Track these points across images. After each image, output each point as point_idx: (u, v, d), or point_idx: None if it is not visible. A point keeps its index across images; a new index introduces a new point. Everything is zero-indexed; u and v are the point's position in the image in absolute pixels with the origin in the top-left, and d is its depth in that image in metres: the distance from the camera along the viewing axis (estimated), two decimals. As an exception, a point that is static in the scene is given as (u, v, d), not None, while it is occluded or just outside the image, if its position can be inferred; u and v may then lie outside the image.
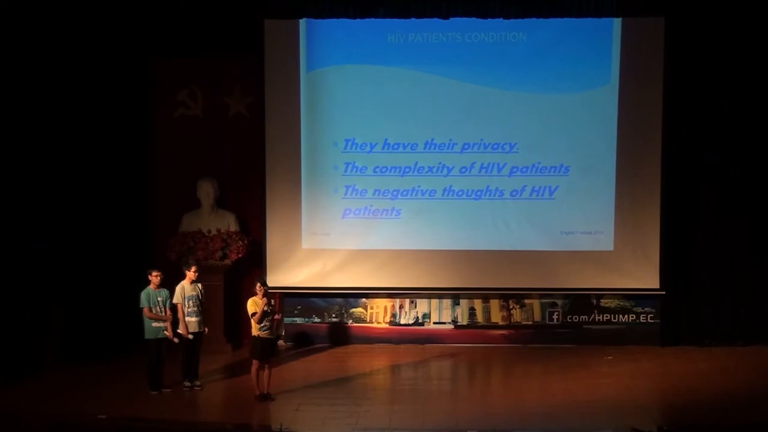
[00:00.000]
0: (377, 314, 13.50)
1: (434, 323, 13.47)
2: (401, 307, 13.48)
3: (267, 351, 10.81)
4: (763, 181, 12.85)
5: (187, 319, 11.13)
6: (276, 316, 10.87)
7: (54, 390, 11.16)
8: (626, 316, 13.28)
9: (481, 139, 12.94)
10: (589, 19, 12.47)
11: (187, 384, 11.22)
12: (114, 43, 12.74)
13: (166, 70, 13.24)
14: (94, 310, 12.51)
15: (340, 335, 13.46)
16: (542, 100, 12.81)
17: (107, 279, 12.63)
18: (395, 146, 13.01)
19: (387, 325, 13.48)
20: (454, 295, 13.36)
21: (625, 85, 12.70)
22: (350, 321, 13.50)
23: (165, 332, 11.03)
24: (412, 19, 12.57)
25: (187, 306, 11.15)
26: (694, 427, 10.01)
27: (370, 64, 12.91)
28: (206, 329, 11.34)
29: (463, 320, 13.43)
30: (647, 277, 12.93)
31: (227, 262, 12.94)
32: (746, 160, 12.84)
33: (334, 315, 13.49)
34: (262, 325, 10.71)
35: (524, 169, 12.96)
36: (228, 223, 13.14)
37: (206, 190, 13.11)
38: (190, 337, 11.12)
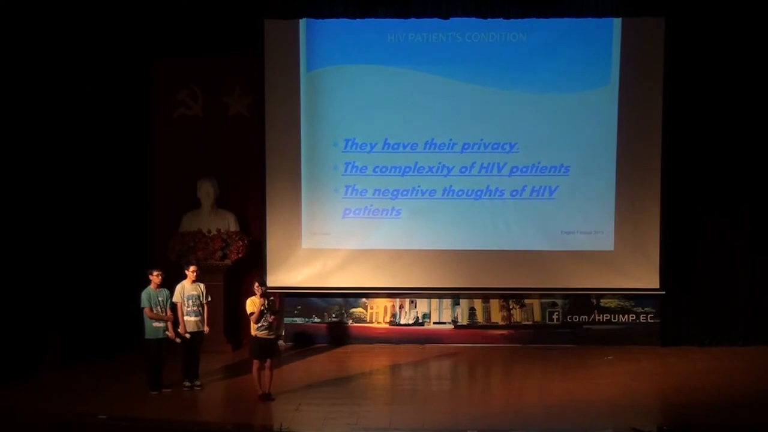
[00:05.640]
0: (377, 314, 13.49)
1: (434, 323, 13.46)
2: (401, 307, 13.48)
3: (265, 351, 10.80)
4: (763, 181, 12.85)
5: (185, 318, 11.14)
6: (270, 317, 10.80)
7: (54, 390, 11.16)
8: (626, 316, 13.28)
9: (481, 139, 12.93)
10: (589, 19, 12.44)
11: (187, 384, 11.22)
12: (114, 43, 12.72)
13: (166, 70, 13.24)
14: (94, 310, 12.50)
15: (340, 335, 13.45)
16: (542, 100, 12.80)
17: (107, 279, 12.62)
18: (395, 146, 13.01)
19: (387, 325, 13.48)
20: (454, 295, 13.36)
21: (625, 85, 12.69)
22: (350, 321, 13.49)
23: (166, 332, 11.05)
24: (412, 18, 12.53)
25: (186, 305, 11.16)
26: (694, 427, 10.01)
27: (370, 64, 12.90)
28: (206, 329, 11.34)
29: (463, 320, 13.42)
30: (647, 277, 12.92)
31: (227, 262, 12.94)
32: (746, 160, 12.83)
33: (334, 315, 13.49)
34: (259, 324, 10.71)
35: (524, 169, 12.95)
36: (228, 223, 13.13)
37: (206, 190, 13.10)
38: (187, 336, 11.12)
